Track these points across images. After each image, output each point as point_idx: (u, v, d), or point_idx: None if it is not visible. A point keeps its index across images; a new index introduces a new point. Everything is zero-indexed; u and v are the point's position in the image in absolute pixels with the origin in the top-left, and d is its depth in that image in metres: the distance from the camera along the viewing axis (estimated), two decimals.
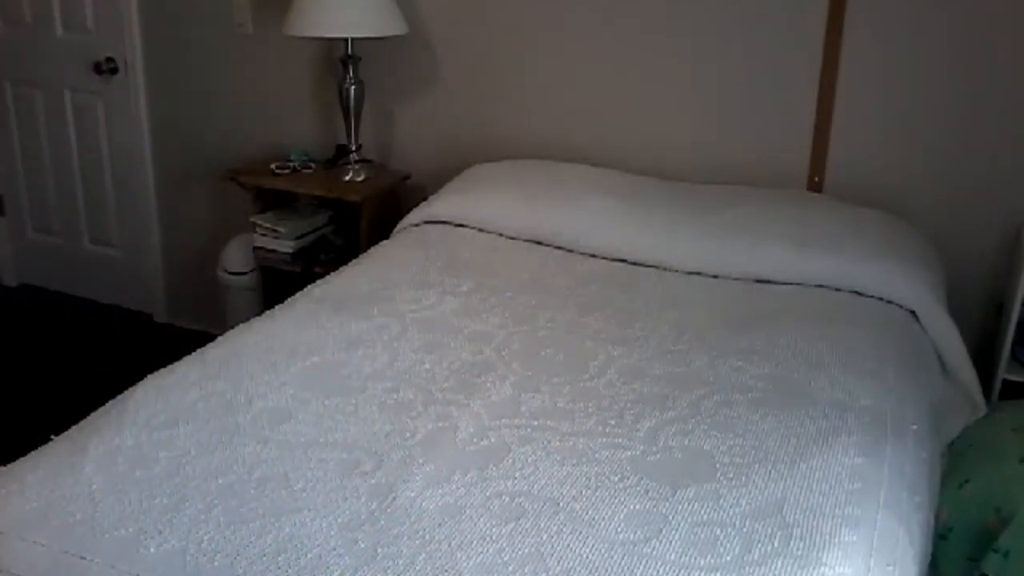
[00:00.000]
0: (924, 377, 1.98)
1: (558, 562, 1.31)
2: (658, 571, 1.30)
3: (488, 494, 1.46)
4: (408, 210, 2.70)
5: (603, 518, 1.41)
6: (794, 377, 1.82)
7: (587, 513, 1.42)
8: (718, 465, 1.54)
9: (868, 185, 2.62)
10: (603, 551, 1.34)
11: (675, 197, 2.57)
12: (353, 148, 3.01)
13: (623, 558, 1.32)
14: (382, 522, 1.39)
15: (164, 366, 1.83)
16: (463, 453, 1.57)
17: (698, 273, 2.32)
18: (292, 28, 2.77)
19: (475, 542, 1.35)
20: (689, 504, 1.44)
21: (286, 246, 3.00)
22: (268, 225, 3.01)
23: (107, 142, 3.66)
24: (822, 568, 1.31)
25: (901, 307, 2.17)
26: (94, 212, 3.79)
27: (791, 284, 2.24)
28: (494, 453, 1.56)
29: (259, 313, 2.16)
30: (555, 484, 1.48)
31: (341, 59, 2.92)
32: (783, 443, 1.60)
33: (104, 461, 1.52)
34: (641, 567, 1.30)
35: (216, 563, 1.31)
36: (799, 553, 1.33)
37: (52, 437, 1.61)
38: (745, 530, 1.38)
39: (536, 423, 1.65)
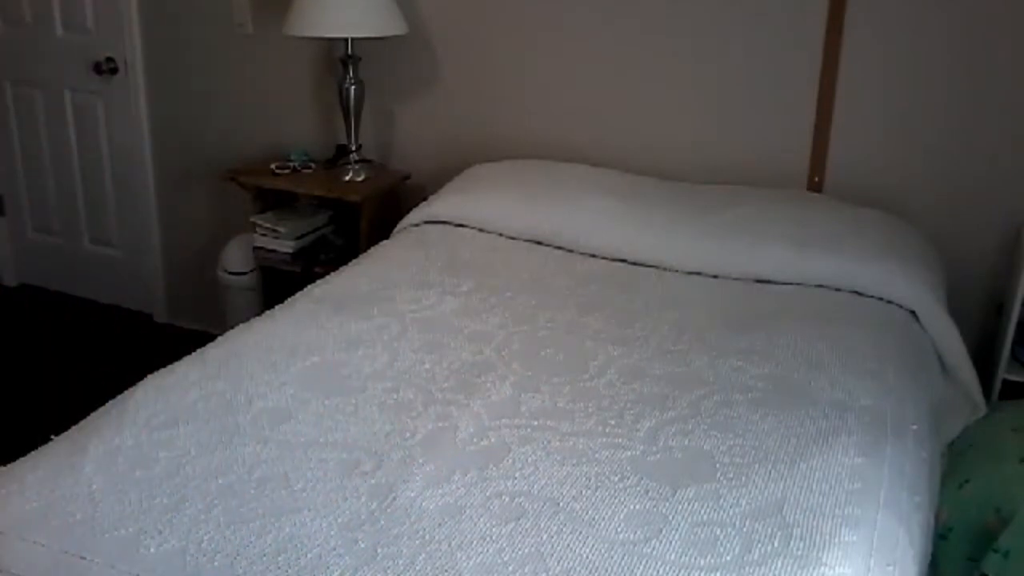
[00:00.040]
0: (924, 377, 1.98)
1: (558, 562, 1.31)
2: (658, 571, 1.30)
3: (488, 494, 1.46)
4: (408, 210, 2.70)
5: (603, 518, 1.41)
6: (794, 377, 1.83)
7: (587, 513, 1.42)
8: (718, 465, 1.54)
9: (868, 185, 2.62)
10: (603, 551, 1.34)
11: (675, 197, 2.57)
12: (353, 148, 3.01)
13: (623, 558, 1.32)
14: (382, 522, 1.39)
15: (164, 366, 1.83)
16: (463, 453, 1.57)
17: (698, 273, 2.32)
18: (292, 28, 2.77)
19: (475, 542, 1.35)
20: (689, 504, 1.44)
21: (286, 246, 3.00)
22: (268, 225, 3.01)
23: (107, 142, 3.66)
24: (822, 568, 1.31)
25: (901, 307, 2.17)
26: (94, 212, 3.79)
27: (791, 284, 2.24)
28: (494, 453, 1.56)
29: (259, 313, 2.16)
30: (555, 484, 1.48)
31: (341, 59, 2.92)
32: (783, 443, 1.60)
33: (104, 461, 1.52)
34: (641, 567, 1.30)
35: (216, 563, 1.31)
36: (799, 553, 1.33)
37: (52, 437, 1.61)
38: (745, 530, 1.38)
39: (536, 423, 1.66)
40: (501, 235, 2.52)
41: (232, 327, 2.03)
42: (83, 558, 1.34)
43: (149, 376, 1.79)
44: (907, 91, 2.54)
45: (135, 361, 3.03)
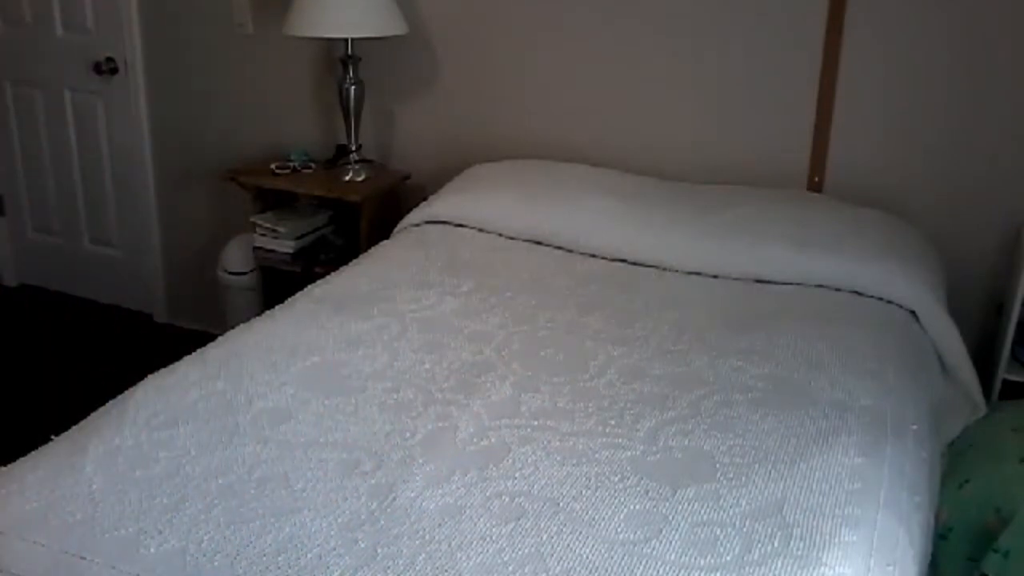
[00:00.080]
0: (924, 377, 1.99)
1: (558, 562, 1.31)
2: (658, 571, 1.30)
3: (488, 494, 1.46)
4: (408, 210, 2.70)
5: (603, 518, 1.41)
6: (794, 377, 1.83)
7: (587, 513, 1.42)
8: (718, 465, 1.54)
9: (868, 185, 2.62)
10: (603, 551, 1.34)
11: (675, 197, 2.57)
12: (353, 148, 3.01)
13: (623, 558, 1.32)
14: (382, 522, 1.39)
15: (164, 366, 1.83)
16: (463, 453, 1.57)
17: (698, 273, 2.32)
18: (292, 28, 2.77)
19: (475, 542, 1.35)
20: (689, 504, 1.44)
21: (286, 246, 3.00)
22: (268, 225, 3.01)
23: (107, 142, 3.66)
24: (822, 568, 1.31)
25: (901, 307, 2.17)
26: (94, 212, 3.79)
27: (791, 284, 2.24)
28: (494, 453, 1.56)
29: (259, 313, 2.16)
30: (555, 484, 1.48)
31: (341, 59, 2.92)
32: (783, 443, 1.60)
33: (104, 461, 1.52)
34: (641, 567, 1.30)
35: (216, 563, 1.31)
36: (799, 553, 1.33)
37: (52, 437, 1.61)
38: (745, 530, 1.38)
39: (536, 423, 1.66)
40: (501, 235, 2.52)
41: (232, 327, 2.03)
42: (83, 558, 1.34)
43: (149, 376, 1.79)
44: (907, 91, 2.54)
45: (135, 361, 3.03)
